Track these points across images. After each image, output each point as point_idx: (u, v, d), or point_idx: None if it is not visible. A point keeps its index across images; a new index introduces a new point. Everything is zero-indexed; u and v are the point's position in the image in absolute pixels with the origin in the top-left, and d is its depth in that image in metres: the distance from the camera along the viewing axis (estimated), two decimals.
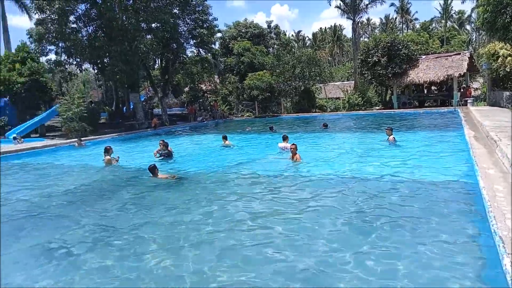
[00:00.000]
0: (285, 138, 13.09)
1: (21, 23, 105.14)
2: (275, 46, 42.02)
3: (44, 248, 5.64)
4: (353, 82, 37.38)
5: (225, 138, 15.48)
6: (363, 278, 4.14)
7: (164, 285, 4.33)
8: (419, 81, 29.67)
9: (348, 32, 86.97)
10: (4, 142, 21.09)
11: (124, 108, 35.36)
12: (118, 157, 12.43)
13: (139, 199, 8.17)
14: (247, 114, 34.46)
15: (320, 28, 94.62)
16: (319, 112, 33.14)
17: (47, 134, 23.82)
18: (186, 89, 42.02)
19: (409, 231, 5.33)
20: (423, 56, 31.65)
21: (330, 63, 79.28)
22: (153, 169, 9.61)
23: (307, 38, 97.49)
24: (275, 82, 33.92)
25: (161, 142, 13.14)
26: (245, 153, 13.93)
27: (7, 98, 26.91)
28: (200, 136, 22.32)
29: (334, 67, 70.48)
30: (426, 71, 29.45)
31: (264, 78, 33.69)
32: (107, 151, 12.33)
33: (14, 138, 20.46)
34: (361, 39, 41.96)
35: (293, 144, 11.03)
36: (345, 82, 43.41)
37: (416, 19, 78.12)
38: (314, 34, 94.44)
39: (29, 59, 26.54)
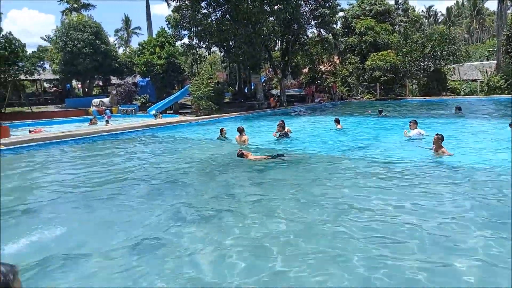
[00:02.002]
0: (415, 123, 12.11)
1: (160, 11, 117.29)
2: (402, 23, 38.89)
3: (175, 210, 6.41)
4: (495, 62, 32.62)
5: (337, 121, 15.18)
6: None
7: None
8: None
9: (491, 4, 75.41)
10: (146, 117, 24.29)
11: (246, 88, 37.17)
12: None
13: (261, 174, 8.63)
14: (367, 97, 33.02)
15: (457, 1, 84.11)
16: (450, 95, 29.94)
17: (180, 111, 26.53)
18: (305, 70, 42.02)
19: None
20: None
21: (467, 41, 70.31)
22: (241, 155, 9.86)
23: (439, 14, 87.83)
24: (400, 63, 31.64)
25: (280, 122, 13.51)
26: (358, 137, 13.49)
27: (149, 78, 30.73)
28: (316, 117, 22.27)
29: (471, 45, 62.33)
30: None
31: (388, 58, 31.69)
32: (241, 131, 12.51)
33: (154, 115, 23.41)
34: (509, 11, 35.79)
35: (438, 134, 9.23)
36: (485, 62, 38.07)
37: None
38: (448, 9, 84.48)
39: (166, 43, 29.76)
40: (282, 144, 12.61)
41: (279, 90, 34.04)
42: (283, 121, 13.59)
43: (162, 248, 4.90)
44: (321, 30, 32.41)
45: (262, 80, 37.01)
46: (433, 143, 9.31)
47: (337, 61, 39.67)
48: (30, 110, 29.09)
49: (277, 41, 35.54)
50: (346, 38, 37.29)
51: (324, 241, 4.86)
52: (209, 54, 36.53)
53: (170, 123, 19.94)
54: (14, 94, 32.31)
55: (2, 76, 27.39)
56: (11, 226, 5.95)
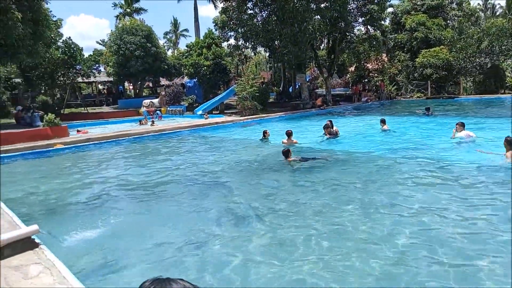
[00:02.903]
0: (462, 125, 11.37)
1: (207, 13, 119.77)
2: (456, 17, 36.86)
3: (222, 209, 6.52)
4: None
5: (383, 122, 14.66)
6: None
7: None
8: None
9: None
10: (193, 117, 24.91)
11: (290, 88, 37.00)
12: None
13: (306, 175, 8.56)
14: (417, 95, 31.68)
15: None
16: (510, 93, 27.96)
17: (225, 111, 26.93)
18: (351, 68, 41.06)
19: None
20: None
21: None
22: (287, 153, 9.73)
23: (498, 6, 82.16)
24: (454, 59, 30.02)
25: (327, 122, 13.32)
26: (405, 138, 12.96)
27: (196, 79, 31.47)
28: (362, 117, 21.70)
29: None
30: None
31: (441, 54, 30.18)
32: (289, 135, 12.26)
33: (201, 114, 24.00)
34: None
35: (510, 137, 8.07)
36: None
37: None
38: (508, 1, 78.87)
39: (213, 45, 30.30)
40: (328, 144, 12.42)
41: (324, 89, 33.55)
42: (330, 121, 13.39)
43: (207, 246, 5.00)
44: (369, 27, 31.48)
45: (307, 80, 36.66)
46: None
47: (385, 59, 38.41)
48: (86, 111, 30.83)
49: (323, 40, 35.04)
50: (395, 35, 35.98)
51: (366, 245, 4.73)
52: (255, 54, 36.79)
53: (216, 123, 20.31)
54: (72, 96, 34.41)
55: (62, 79, 29.23)
56: (71, 220, 6.35)
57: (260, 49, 35.10)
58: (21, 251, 4.12)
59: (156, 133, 17.18)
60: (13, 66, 26.31)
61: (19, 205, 7.01)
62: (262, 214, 6.09)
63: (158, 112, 27.24)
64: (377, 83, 35.10)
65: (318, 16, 27.14)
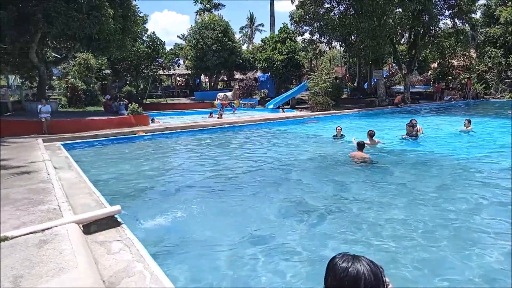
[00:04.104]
0: None
1: (283, 8, 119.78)
2: None
3: (288, 205, 6.52)
4: None
5: (469, 122, 13.49)
6: None
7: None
8: None
9: None
10: (264, 111, 25.20)
11: (366, 84, 35.68)
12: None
13: (376, 175, 8.23)
14: (509, 96, 28.70)
15: None
16: None
17: (296, 106, 26.83)
18: (434, 65, 38.41)
19: None
20: None
21: None
22: (362, 146, 9.42)
23: None
24: None
25: (413, 121, 12.58)
26: (489, 142, 11.78)
27: (269, 73, 31.74)
28: (444, 117, 20.20)
29: None
30: None
31: None
32: (371, 135, 11.33)
33: (275, 108, 24.31)
34: None
35: None
36: None
37: None
38: None
39: (288, 39, 30.26)
40: (404, 144, 11.78)
41: (402, 86, 31.84)
42: (415, 120, 12.63)
43: (270, 242, 5.03)
44: (456, 20, 29.10)
45: (384, 76, 35.04)
46: None
47: (474, 55, 35.29)
48: (165, 102, 32.72)
49: (404, 34, 33.17)
50: (487, 29, 32.85)
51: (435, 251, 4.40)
52: (330, 49, 36.03)
53: (287, 117, 20.33)
54: (153, 87, 36.74)
55: (145, 71, 31.34)
56: (149, 203, 6.82)
57: (335, 43, 34.26)
58: (105, 228, 4.51)
59: (229, 125, 17.69)
60: (104, 59, 28.76)
61: (104, 186, 7.69)
62: (328, 212, 5.99)
63: (232, 104, 28.01)
64: (463, 81, 32.45)
65: (400, 9, 25.73)
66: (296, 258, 4.51)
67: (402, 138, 12.32)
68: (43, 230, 4.02)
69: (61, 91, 26.42)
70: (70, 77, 25.93)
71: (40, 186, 6.23)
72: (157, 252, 4.57)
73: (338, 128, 13.25)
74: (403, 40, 35.74)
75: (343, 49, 34.37)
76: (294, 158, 10.67)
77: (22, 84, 25.52)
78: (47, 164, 8.15)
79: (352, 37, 27.94)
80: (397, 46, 30.44)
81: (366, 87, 34.93)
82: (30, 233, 3.95)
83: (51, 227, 4.09)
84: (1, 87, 26.80)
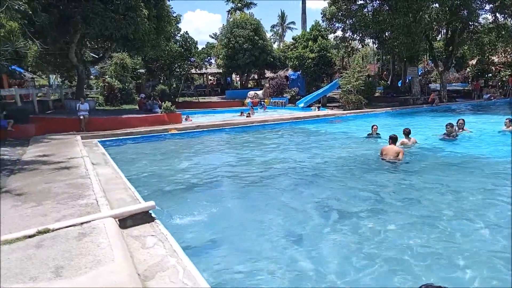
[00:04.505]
0: None
1: (315, 5, 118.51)
2: None
3: (319, 205, 6.45)
4: None
5: (510, 121, 12.79)
6: None
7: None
8: None
9: None
10: (294, 109, 25.08)
11: (400, 82, 34.74)
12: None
13: (411, 176, 8.00)
14: None
15: None
16: None
17: (327, 105, 26.51)
18: (472, 62, 36.81)
19: None
20: None
21: None
22: (395, 139, 9.23)
23: None
24: None
25: (461, 121, 12.11)
26: None
27: (300, 71, 31.52)
28: (483, 116, 19.32)
29: None
30: None
31: None
32: (407, 134, 10.92)
33: (305, 107, 24.11)
34: None
35: None
36: None
37: None
38: None
39: (319, 37, 29.94)
40: (444, 144, 11.33)
41: (438, 84, 30.75)
42: (462, 120, 12.19)
43: (303, 241, 5.02)
44: (498, 15, 27.71)
45: (419, 73, 33.97)
46: None
47: None
48: (197, 100, 33.20)
49: (440, 30, 32.01)
50: None
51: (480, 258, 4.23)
52: (362, 46, 35.36)
53: (317, 116, 20.14)
54: (186, 86, 37.36)
55: (178, 70, 31.91)
56: (181, 199, 6.96)
57: (368, 41, 33.55)
58: (140, 223, 4.64)
59: (259, 124, 17.73)
60: (138, 58, 29.54)
61: (139, 182, 7.91)
62: (361, 213, 5.89)
63: (262, 103, 28.09)
64: (504, 79, 30.93)
65: (437, 5, 24.85)
66: (329, 258, 4.48)
67: (440, 138, 11.87)
68: (82, 223, 4.19)
69: (98, 90, 27.38)
70: (107, 76, 26.80)
71: (79, 181, 6.49)
72: (189, 247, 4.65)
73: (374, 126, 12.86)
74: (439, 36, 34.50)
75: (376, 46, 33.60)
76: (326, 157, 10.57)
77: (62, 83, 26.65)
78: (85, 160, 8.49)
79: (386, 34, 27.25)
80: (433, 42, 29.41)
81: (400, 85, 34.02)
82: (70, 226, 4.13)
83: (90, 221, 4.26)
84: (43, 86, 28.09)
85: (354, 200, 6.56)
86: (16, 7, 9.13)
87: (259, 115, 22.37)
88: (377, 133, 12.70)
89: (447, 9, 24.91)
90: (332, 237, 5.09)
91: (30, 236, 3.88)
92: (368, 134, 12.92)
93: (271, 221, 5.78)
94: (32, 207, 5.01)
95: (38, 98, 18.96)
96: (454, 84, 39.24)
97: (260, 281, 4.07)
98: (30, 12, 11.18)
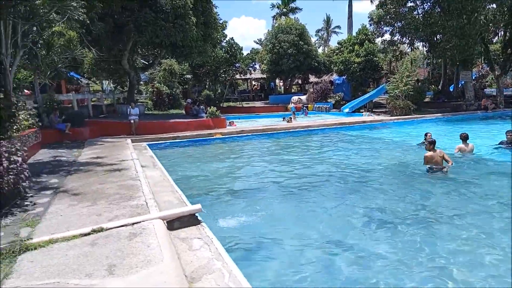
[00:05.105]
0: None
1: (361, 9, 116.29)
2: None
3: (364, 213, 6.28)
4: None
5: None
6: None
7: None
8: None
9: None
10: (339, 115, 24.66)
11: (451, 87, 33.15)
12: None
13: (465, 185, 7.59)
14: None
15: None
16: None
17: (373, 110, 25.82)
18: None
19: None
20: None
21: None
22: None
23: None
24: None
25: None
26: None
27: (345, 76, 31.00)
28: None
29: None
30: None
31: None
32: (465, 138, 10.32)
33: (356, 111, 23.76)
34: None
35: None
36: None
37: None
38: None
39: (366, 41, 29.29)
40: (503, 154, 10.61)
41: (494, 89, 28.97)
42: None
43: (349, 247, 4.91)
44: None
45: (473, 78, 32.21)
46: None
47: None
48: (241, 105, 33.62)
49: (498, 32, 30.19)
50: None
51: None
52: (411, 50, 34.15)
53: (363, 122, 19.67)
54: (230, 91, 37.97)
55: (223, 75, 32.52)
56: (226, 203, 7.05)
57: (418, 44, 32.34)
58: (187, 225, 4.76)
59: (303, 129, 17.61)
60: (185, 64, 30.46)
61: (185, 184, 8.12)
62: (406, 223, 5.66)
63: (304, 108, 27.92)
64: None
65: (494, 5, 23.48)
66: (376, 264, 4.34)
67: (498, 147, 11.09)
68: (133, 224, 4.37)
69: (148, 95, 28.54)
70: (155, 82, 27.88)
71: (129, 182, 6.78)
72: (233, 251, 4.70)
73: (428, 134, 12.12)
74: (496, 38, 32.54)
75: (426, 49, 32.32)
76: (372, 164, 10.28)
77: (115, 89, 28.02)
78: (135, 162, 8.85)
79: (437, 37, 26.14)
80: (489, 45, 27.80)
81: (452, 90, 32.45)
82: (122, 226, 4.32)
83: (140, 222, 4.43)
84: (97, 91, 29.71)
85: (401, 211, 6.32)
86: (76, 17, 9.71)
87: (301, 121, 22.23)
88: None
89: (505, 9, 23.46)
90: (377, 247, 4.93)
91: (85, 234, 4.10)
92: (422, 142, 12.20)
93: (314, 228, 5.71)
94: (87, 207, 5.30)
95: (92, 103, 20.07)
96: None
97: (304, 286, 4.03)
98: (88, 22, 11.87)
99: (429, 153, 8.78)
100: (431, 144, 8.80)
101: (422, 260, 4.50)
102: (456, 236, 5.11)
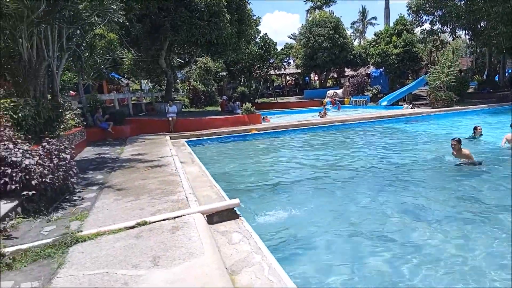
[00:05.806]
0: None
1: None
2: None
3: (402, 207, 6.12)
4: None
5: None
6: None
7: None
8: None
9: None
10: (376, 108, 24.07)
11: (497, 76, 31.42)
12: None
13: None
14: None
15: None
16: None
17: (413, 102, 24.96)
18: None
19: None
20: None
21: None
22: (458, 142, 8.51)
23: None
24: None
25: None
26: None
27: (382, 68, 30.17)
28: None
29: None
30: None
31: None
32: None
33: (392, 104, 23.10)
34: None
35: None
36: None
37: None
38: None
39: (404, 31, 28.33)
40: None
41: None
42: None
43: (389, 242, 4.82)
44: None
45: None
46: None
47: None
48: (276, 101, 33.57)
49: None
50: None
51: None
52: (453, 39, 32.65)
53: (402, 115, 19.08)
54: (265, 87, 38.00)
55: (258, 71, 32.57)
56: (264, 198, 7.11)
57: (460, 32, 30.88)
58: (225, 219, 4.86)
59: (339, 123, 17.35)
60: (220, 62, 30.79)
61: (223, 179, 8.25)
62: (441, 220, 5.47)
63: (337, 102, 27.53)
64: None
65: None
66: (417, 259, 4.25)
67: None
68: (175, 217, 4.51)
69: (184, 93, 29.14)
70: (192, 80, 28.39)
71: (170, 178, 6.98)
72: (272, 245, 4.75)
73: (478, 127, 11.46)
74: None
75: (469, 38, 30.81)
76: (412, 159, 9.98)
77: (153, 87, 28.83)
78: (174, 159, 9.10)
79: (481, 24, 24.89)
80: None
81: (498, 79, 30.77)
82: (164, 219, 4.47)
83: (181, 216, 4.57)
84: (136, 90, 30.68)
85: (441, 206, 6.11)
86: (115, 19, 10.07)
87: (337, 115, 21.89)
88: (481, 134, 11.50)
89: None
90: (416, 243, 4.80)
91: (130, 228, 4.29)
92: (471, 135, 11.67)
93: (353, 223, 5.64)
94: (131, 201, 5.52)
95: (132, 102, 20.76)
96: None
97: (341, 283, 4.00)
98: (127, 23, 12.28)
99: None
100: (455, 142, 8.62)
101: (469, 256, 4.34)
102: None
